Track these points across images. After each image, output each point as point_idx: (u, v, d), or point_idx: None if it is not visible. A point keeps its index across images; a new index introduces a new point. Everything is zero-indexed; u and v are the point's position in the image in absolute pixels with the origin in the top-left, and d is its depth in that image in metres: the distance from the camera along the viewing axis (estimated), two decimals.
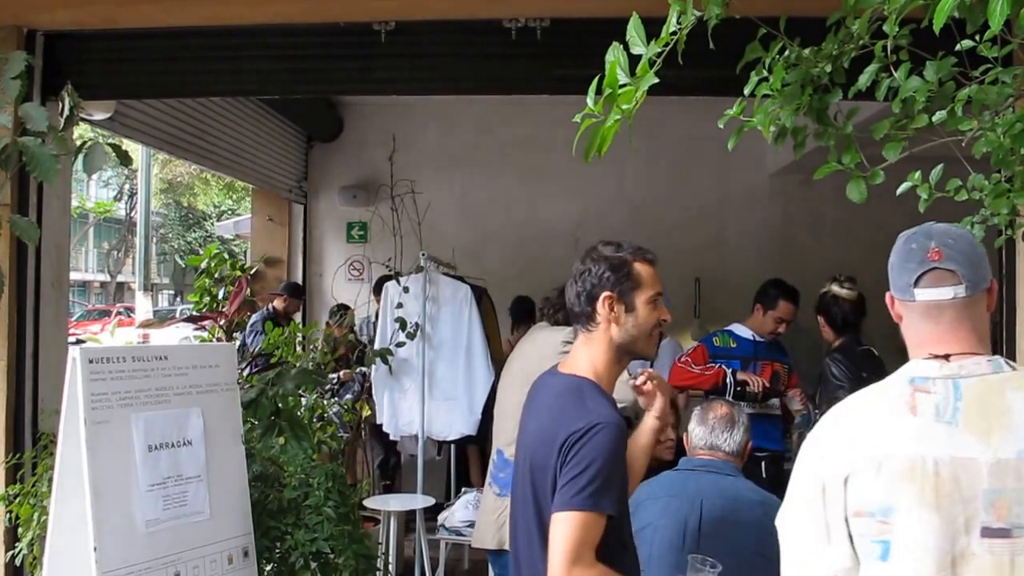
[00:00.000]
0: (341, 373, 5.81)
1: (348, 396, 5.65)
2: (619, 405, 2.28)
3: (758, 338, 4.76)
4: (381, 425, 5.55)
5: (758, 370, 4.65)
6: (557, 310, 3.54)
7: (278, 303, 7.23)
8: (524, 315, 6.60)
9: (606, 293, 2.16)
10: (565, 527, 1.96)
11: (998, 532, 1.57)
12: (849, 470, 1.65)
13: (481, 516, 3.73)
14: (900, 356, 1.79)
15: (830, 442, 1.72)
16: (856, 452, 1.65)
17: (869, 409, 1.71)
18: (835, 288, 4.62)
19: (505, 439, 3.45)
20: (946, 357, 1.68)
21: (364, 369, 5.76)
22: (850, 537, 1.66)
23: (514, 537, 2.34)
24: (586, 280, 2.19)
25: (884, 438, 1.64)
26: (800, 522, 1.72)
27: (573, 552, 1.94)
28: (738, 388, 4.52)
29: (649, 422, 2.40)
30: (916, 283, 1.71)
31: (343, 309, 6.82)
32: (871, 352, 4.57)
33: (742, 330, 4.82)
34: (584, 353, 2.22)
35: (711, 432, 2.86)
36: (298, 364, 4.80)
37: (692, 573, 2.40)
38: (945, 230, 1.76)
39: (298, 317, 7.62)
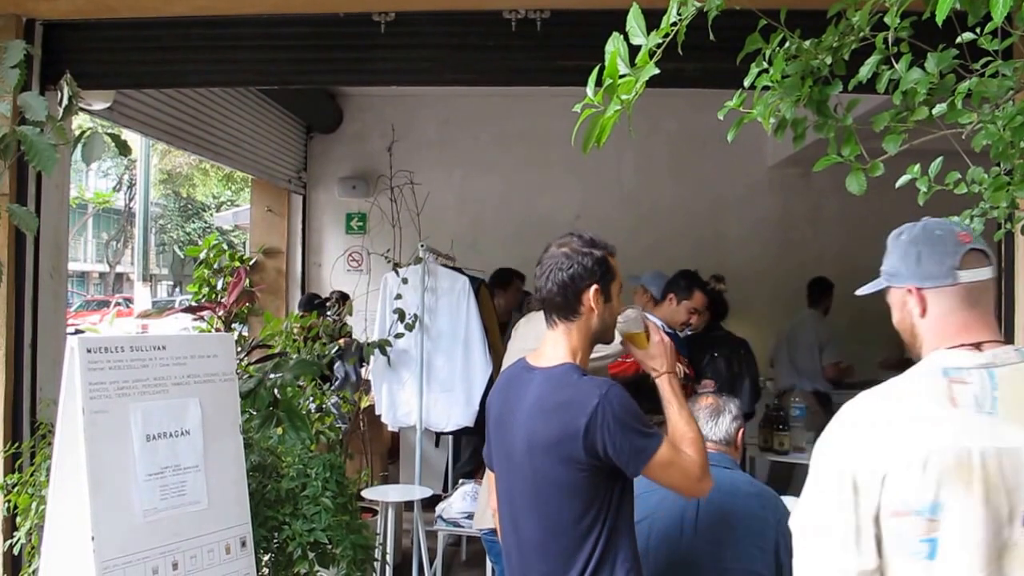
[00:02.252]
0: (341, 341, 5.74)
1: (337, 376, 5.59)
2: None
3: (667, 329, 4.73)
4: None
5: None
6: None
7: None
8: (504, 285, 6.43)
9: (596, 286, 2.25)
10: (662, 465, 2.15)
11: None
12: (888, 468, 1.61)
13: (483, 497, 3.73)
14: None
15: (861, 439, 1.66)
16: (896, 449, 1.61)
17: (905, 404, 1.67)
18: (719, 286, 5.45)
19: None
20: (977, 346, 1.69)
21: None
22: (877, 538, 1.63)
23: (513, 528, 2.37)
24: (572, 272, 2.25)
25: (927, 433, 1.60)
26: (824, 523, 1.67)
27: (683, 467, 2.17)
28: None
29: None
30: (960, 265, 1.71)
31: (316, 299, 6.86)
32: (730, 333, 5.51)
33: (654, 319, 4.76)
34: (560, 343, 2.30)
35: (697, 423, 2.88)
36: (295, 355, 4.80)
37: (622, 320, 2.39)
38: (948, 220, 1.80)
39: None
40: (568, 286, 2.25)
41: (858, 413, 1.71)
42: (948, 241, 1.73)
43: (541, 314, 3.67)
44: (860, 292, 1.93)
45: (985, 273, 1.74)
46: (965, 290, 1.72)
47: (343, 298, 6.76)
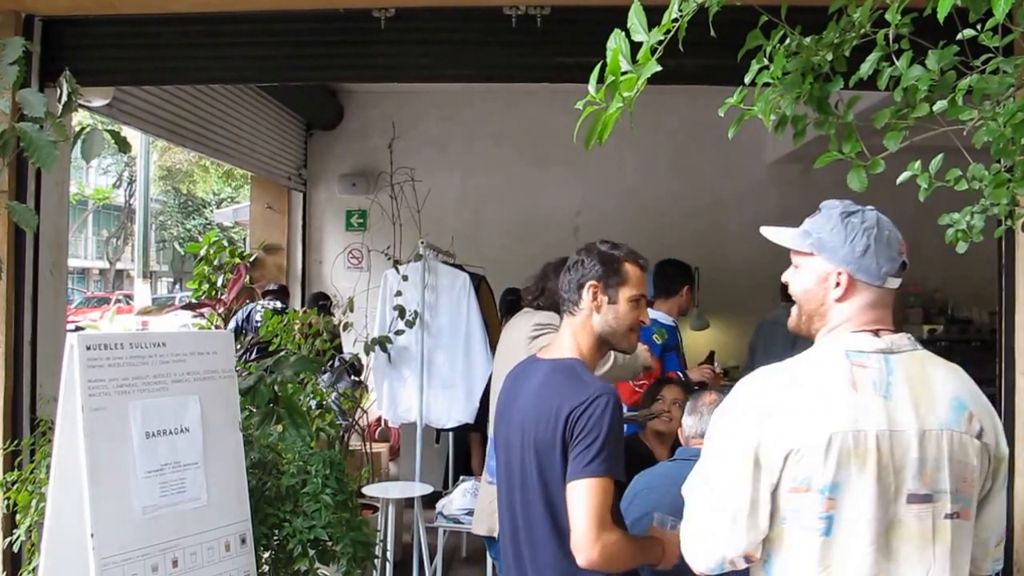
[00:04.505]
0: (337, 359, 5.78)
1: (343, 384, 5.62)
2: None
3: (671, 323, 4.68)
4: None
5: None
6: (536, 296, 3.57)
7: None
8: (512, 307, 6.57)
9: (592, 282, 2.32)
10: (586, 494, 2.08)
11: (922, 498, 1.68)
12: (793, 446, 1.68)
13: (478, 503, 3.75)
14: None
15: (766, 418, 1.72)
16: (802, 428, 1.68)
17: (811, 385, 1.74)
18: None
19: None
20: (875, 332, 1.79)
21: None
22: (772, 511, 1.72)
23: (510, 519, 2.38)
24: (578, 269, 2.35)
25: (831, 414, 1.68)
26: (722, 496, 1.74)
27: (598, 517, 2.07)
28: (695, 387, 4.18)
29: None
30: (892, 271, 1.82)
31: (324, 299, 6.91)
32: None
33: (665, 317, 4.63)
34: (569, 337, 2.36)
35: (700, 419, 2.91)
36: (297, 351, 4.80)
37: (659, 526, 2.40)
38: (892, 221, 1.89)
39: None
40: (572, 281, 2.36)
41: (763, 392, 1.78)
42: (894, 247, 1.83)
43: (524, 313, 3.69)
44: (773, 237, 1.98)
45: (898, 283, 1.84)
46: (885, 292, 1.83)
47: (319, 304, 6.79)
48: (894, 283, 1.83)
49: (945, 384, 1.75)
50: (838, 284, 1.82)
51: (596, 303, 2.32)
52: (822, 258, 1.86)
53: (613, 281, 2.32)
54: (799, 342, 1.87)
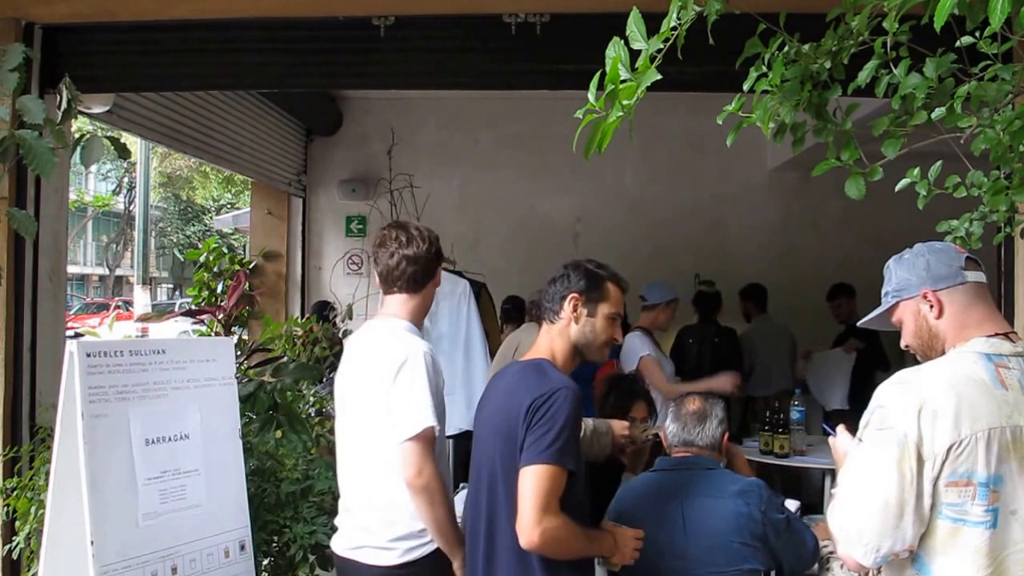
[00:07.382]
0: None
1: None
2: None
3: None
4: None
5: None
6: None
7: None
8: (511, 315, 6.57)
9: (573, 294, 2.42)
10: (534, 479, 2.15)
11: None
12: (954, 439, 1.75)
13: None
14: None
15: (920, 412, 1.78)
16: (962, 422, 1.76)
17: (960, 382, 1.81)
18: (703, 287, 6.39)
19: None
20: (1006, 336, 1.88)
21: None
22: (931, 506, 1.79)
23: (474, 508, 2.45)
24: (563, 282, 2.46)
25: (988, 410, 1.77)
26: (883, 489, 1.78)
27: (542, 501, 2.14)
28: None
29: None
30: (965, 267, 1.90)
31: (327, 307, 6.87)
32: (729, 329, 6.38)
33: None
34: (545, 341, 2.47)
35: (683, 428, 2.90)
36: (296, 358, 4.80)
37: None
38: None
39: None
40: (556, 292, 2.45)
41: (912, 391, 1.83)
42: (949, 250, 1.94)
43: (530, 328, 3.68)
44: (864, 324, 2.11)
45: (983, 276, 1.93)
46: (973, 287, 1.91)
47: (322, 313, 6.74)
48: (975, 276, 1.91)
49: None
50: (931, 305, 1.92)
51: (576, 314, 2.42)
52: (904, 300, 1.97)
53: (594, 296, 2.43)
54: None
